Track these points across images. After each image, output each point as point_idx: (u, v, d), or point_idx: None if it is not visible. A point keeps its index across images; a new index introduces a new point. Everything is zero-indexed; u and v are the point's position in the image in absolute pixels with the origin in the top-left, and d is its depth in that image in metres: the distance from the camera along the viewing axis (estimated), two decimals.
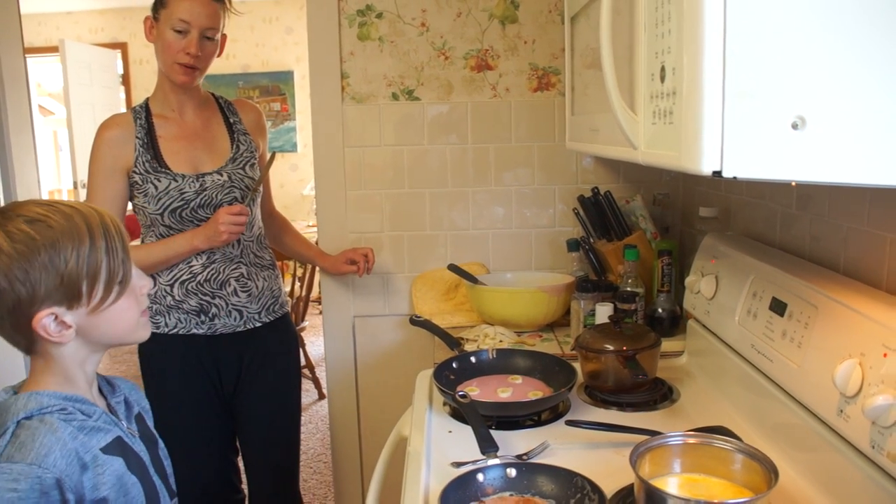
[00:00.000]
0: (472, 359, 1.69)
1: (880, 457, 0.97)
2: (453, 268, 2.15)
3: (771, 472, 1.01)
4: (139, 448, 1.16)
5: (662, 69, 0.94)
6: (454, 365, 1.66)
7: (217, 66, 1.89)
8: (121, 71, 6.61)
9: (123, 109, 6.28)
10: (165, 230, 1.83)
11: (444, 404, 1.56)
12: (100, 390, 1.18)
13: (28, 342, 1.05)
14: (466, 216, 2.32)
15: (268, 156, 1.99)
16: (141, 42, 6.64)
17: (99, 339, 1.10)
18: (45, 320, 1.01)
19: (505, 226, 2.33)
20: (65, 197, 7.30)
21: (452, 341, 1.87)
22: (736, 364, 1.47)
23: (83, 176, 5.33)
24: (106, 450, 1.07)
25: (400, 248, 2.33)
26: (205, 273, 1.85)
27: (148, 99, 1.89)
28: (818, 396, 1.13)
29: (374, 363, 2.38)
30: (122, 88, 6.60)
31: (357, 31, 2.24)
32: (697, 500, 1.03)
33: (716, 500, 1.04)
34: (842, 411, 1.06)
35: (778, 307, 1.31)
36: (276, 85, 6.69)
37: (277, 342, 2.00)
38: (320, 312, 3.97)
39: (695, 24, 0.80)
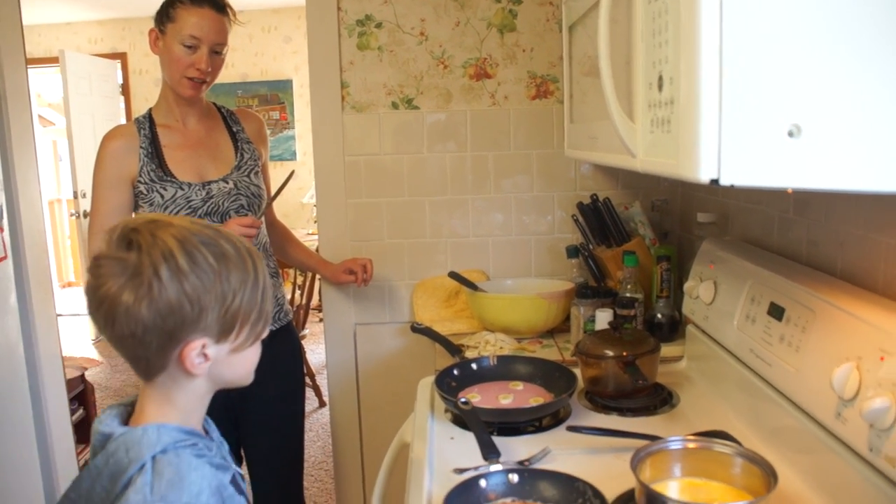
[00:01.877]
0: (473, 365, 1.70)
1: (878, 459, 0.98)
2: (454, 275, 2.16)
3: (770, 476, 1.02)
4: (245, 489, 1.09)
5: (660, 78, 0.95)
6: (455, 372, 1.67)
7: None
8: (120, 81, 6.62)
9: (123, 119, 6.30)
10: None
11: (446, 411, 1.57)
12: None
13: (159, 367, 0.96)
14: (466, 223, 2.33)
15: (287, 173, 2.00)
16: (140, 52, 6.67)
17: (221, 377, 1.01)
18: (195, 348, 0.94)
19: (504, 233, 2.34)
20: (64, 207, 7.29)
21: (453, 348, 1.88)
22: (735, 368, 1.48)
23: (83, 186, 5.33)
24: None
25: (400, 255, 2.34)
26: None
27: (151, 109, 1.90)
28: (816, 400, 1.14)
29: (375, 370, 2.39)
30: (121, 98, 6.61)
31: (357, 41, 2.25)
32: None
33: None
34: (840, 414, 1.07)
35: (776, 312, 1.32)
36: (275, 94, 6.71)
37: (283, 350, 2.00)
38: (320, 320, 3.97)
39: (692, 35, 0.81)
